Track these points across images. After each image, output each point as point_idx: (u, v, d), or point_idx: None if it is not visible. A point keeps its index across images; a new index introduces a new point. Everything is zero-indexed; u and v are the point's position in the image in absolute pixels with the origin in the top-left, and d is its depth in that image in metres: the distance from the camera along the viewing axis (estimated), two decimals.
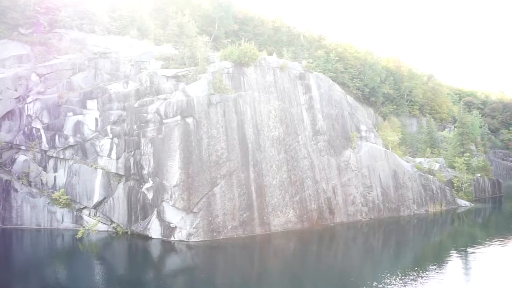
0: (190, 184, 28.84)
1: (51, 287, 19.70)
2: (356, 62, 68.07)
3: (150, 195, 29.79)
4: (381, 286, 19.41)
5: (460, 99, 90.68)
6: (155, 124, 30.42)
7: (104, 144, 31.92)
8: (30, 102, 33.17)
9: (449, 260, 26.27)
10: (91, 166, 31.76)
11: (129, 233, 30.22)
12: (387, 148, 45.84)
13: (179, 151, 29.09)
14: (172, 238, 28.51)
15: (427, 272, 22.44)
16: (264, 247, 29.39)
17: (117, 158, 31.48)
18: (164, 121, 30.14)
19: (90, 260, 25.40)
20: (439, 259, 26.35)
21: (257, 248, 29.16)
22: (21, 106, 33.23)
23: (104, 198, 31.40)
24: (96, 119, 32.64)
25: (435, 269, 23.30)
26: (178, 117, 29.87)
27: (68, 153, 32.60)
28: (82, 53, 36.21)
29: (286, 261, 25.38)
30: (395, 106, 71.18)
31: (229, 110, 31.71)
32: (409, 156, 54.31)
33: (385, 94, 69.65)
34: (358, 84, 64.25)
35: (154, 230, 29.12)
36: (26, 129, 33.04)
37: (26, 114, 33.14)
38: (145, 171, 30.19)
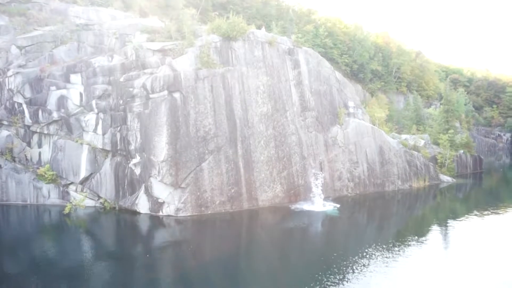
0: (177, 159, 28.87)
1: (39, 262, 19.83)
2: (346, 37, 67.62)
3: (137, 171, 29.78)
4: (363, 260, 20.09)
5: (447, 76, 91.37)
6: (141, 99, 30.07)
7: (90, 119, 31.49)
8: (11, 76, 32.25)
9: (430, 233, 27.28)
10: (77, 141, 31.40)
11: (117, 208, 30.32)
12: (374, 125, 46.33)
13: (166, 126, 28.94)
14: (160, 213, 28.74)
15: (408, 245, 23.30)
16: (252, 222, 29.89)
17: (103, 134, 31.17)
18: (151, 96, 29.81)
19: (78, 235, 25.55)
20: (421, 232, 27.32)
21: (245, 223, 29.64)
22: (1, 79, 32.33)
23: (91, 174, 31.26)
24: (81, 94, 32.04)
25: (416, 241, 24.20)
26: (165, 92, 29.56)
27: (52, 128, 32.10)
28: (64, 24, 35.04)
29: (273, 236, 25.95)
30: (383, 83, 71.45)
31: (216, 85, 31.45)
32: (396, 132, 55.05)
33: (374, 71, 69.74)
34: (347, 60, 64.08)
35: (142, 205, 29.29)
36: (7, 103, 32.28)
37: (7, 88, 32.29)
38: (132, 147, 30.04)
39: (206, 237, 25.40)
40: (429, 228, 28.77)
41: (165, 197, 28.86)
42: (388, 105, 62.19)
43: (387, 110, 57.15)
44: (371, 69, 68.70)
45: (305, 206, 32.52)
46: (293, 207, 32.64)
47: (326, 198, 35.49)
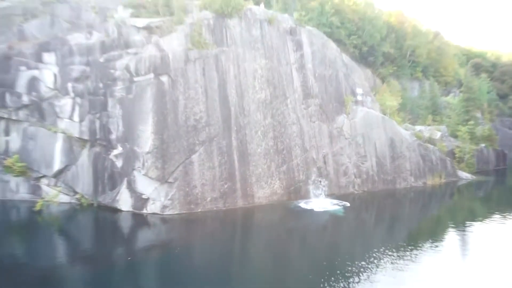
0: (164, 151, 28.86)
1: (5, 265, 19.73)
2: (354, 16, 67.15)
3: (119, 163, 29.74)
4: (370, 266, 20.19)
5: (468, 61, 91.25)
6: (124, 82, 29.95)
7: (65, 104, 31.31)
8: None
9: (446, 237, 27.45)
10: (50, 129, 31.25)
11: (95, 205, 30.36)
12: (384, 114, 46.39)
13: (152, 113, 28.87)
14: (145, 211, 28.81)
15: (421, 250, 23.43)
16: (247, 221, 30.10)
17: (80, 121, 31.05)
18: (135, 79, 29.70)
19: (50, 236, 25.48)
20: (435, 235, 27.50)
21: (239, 222, 29.85)
22: None
23: (66, 166, 31.17)
24: (55, 75, 31.78)
25: (430, 246, 24.34)
26: (151, 75, 29.46)
27: (22, 114, 31.86)
28: None
29: (270, 237, 26.05)
30: (395, 68, 71.24)
31: (209, 68, 31.34)
32: (409, 123, 55.18)
33: (385, 54, 69.47)
34: (355, 42, 63.73)
35: (124, 201, 29.31)
36: None
37: None
38: (113, 136, 29.96)
39: (195, 238, 25.51)
40: (445, 231, 28.96)
41: (150, 193, 28.88)
42: (401, 93, 62.03)
43: (400, 98, 57.00)
44: (382, 51, 68.40)
45: (307, 205, 32.64)
46: (293, 205, 32.86)
47: (330, 196, 35.62)
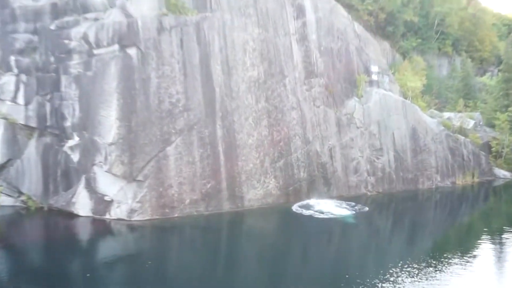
0: (132, 141, 28.63)
1: None
2: None
3: (75, 157, 29.49)
4: (385, 285, 20.19)
5: (510, 33, 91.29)
6: (81, 55, 29.60)
7: (6, 82, 30.85)
8: None
9: (479, 249, 27.55)
10: None
11: (45, 208, 30.08)
12: (405, 98, 46.38)
13: (116, 95, 28.59)
14: (108, 216, 28.63)
15: (448, 265, 23.47)
16: (233, 230, 30.02)
17: (26, 104, 30.71)
18: (95, 51, 29.37)
19: None
20: (466, 247, 27.57)
21: (224, 231, 29.76)
22: None
23: (8, 161, 30.84)
24: None
25: (459, 260, 24.40)
26: (115, 47, 29.14)
27: None
28: None
29: (261, 251, 25.93)
30: (419, 40, 71.06)
31: (188, 39, 31.04)
32: (435, 109, 55.31)
33: (407, 23, 69.17)
34: (370, 8, 63.30)
35: (82, 204, 29.09)
36: None
37: None
38: (67, 123, 29.69)
39: (170, 250, 25.36)
40: (478, 242, 29.05)
41: (114, 193, 28.74)
42: (426, 71, 62.01)
43: (425, 78, 57.04)
44: (404, 20, 68.08)
45: (309, 209, 32.63)
46: (292, 209, 32.79)
47: (337, 198, 35.63)
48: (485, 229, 32.70)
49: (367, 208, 33.49)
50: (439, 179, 44.34)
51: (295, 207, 33.19)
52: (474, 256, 25.64)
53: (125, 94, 28.76)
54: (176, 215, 29.61)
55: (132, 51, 29.26)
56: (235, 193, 32.23)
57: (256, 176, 33.31)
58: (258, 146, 33.56)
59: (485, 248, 27.77)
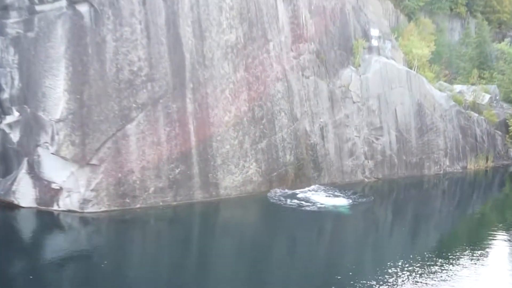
0: (85, 118, 28.17)
1: None
2: None
3: (15, 136, 28.81)
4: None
5: None
6: (20, 13, 28.66)
7: None
8: None
9: (492, 245, 27.86)
10: None
11: None
12: (411, 68, 46.37)
13: (65, 62, 27.90)
14: (56, 207, 28.21)
15: (455, 263, 23.67)
16: (206, 223, 29.95)
17: None
18: (38, 8, 28.43)
19: None
20: (477, 243, 27.87)
21: (195, 224, 29.68)
22: None
23: None
24: None
25: (469, 258, 24.63)
26: (63, 2, 28.24)
27: None
28: None
29: (238, 248, 25.95)
30: None
31: None
32: (445, 81, 55.50)
33: None
34: None
35: (24, 194, 28.53)
36: None
37: None
38: (5, 95, 28.85)
39: (130, 248, 25.17)
40: (491, 237, 29.40)
41: (63, 180, 28.32)
42: (435, 36, 62.10)
43: (433, 43, 57.07)
44: None
45: (296, 199, 32.69)
46: (276, 199, 32.81)
47: (329, 186, 35.65)
48: (499, 222, 33.09)
49: (364, 198, 33.57)
50: (447, 163, 44.74)
51: (280, 196, 33.19)
52: (487, 254, 25.93)
53: (75, 60, 28.07)
54: (138, 206, 29.31)
55: (83, 8, 28.45)
56: (208, 180, 32.05)
57: (233, 159, 33.15)
58: (236, 124, 33.33)
59: (500, 245, 28.09)
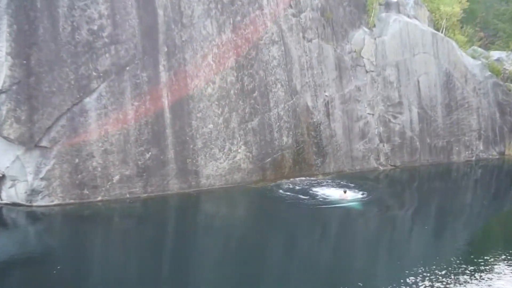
0: (33, 89, 28.14)
1: None
2: None
3: None
4: None
5: None
6: None
7: None
8: None
9: None
10: None
11: None
12: (438, 30, 46.39)
13: (7, 18, 27.66)
14: None
15: (489, 269, 23.96)
16: (181, 220, 29.71)
17: None
18: None
19: None
20: None
21: (168, 222, 29.56)
22: None
23: None
24: None
25: (506, 265, 24.93)
26: None
27: None
28: None
29: (222, 253, 25.91)
30: None
31: None
32: (480, 46, 55.60)
33: None
34: None
35: None
36: None
37: None
38: None
39: (88, 250, 25.00)
40: None
41: (6, 167, 28.34)
42: None
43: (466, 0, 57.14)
44: None
45: (295, 191, 32.86)
46: (270, 191, 33.00)
47: (337, 175, 35.79)
48: None
49: (379, 190, 33.66)
50: (481, 147, 45.03)
51: (276, 188, 33.40)
52: None
53: (20, 17, 27.88)
54: (99, 198, 29.43)
55: None
56: (186, 167, 32.21)
57: (217, 142, 33.29)
58: (221, 97, 33.42)
59: None
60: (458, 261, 24.90)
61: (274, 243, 26.64)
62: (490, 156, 44.91)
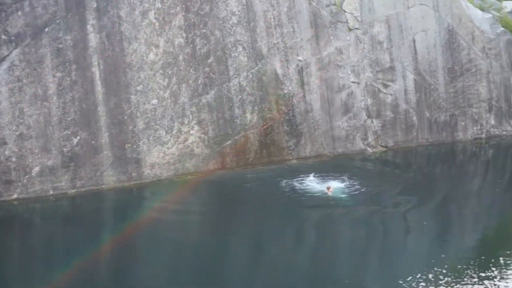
0: None
1: None
2: None
3: None
4: None
5: None
6: None
7: None
8: None
9: None
10: None
11: None
12: None
13: None
14: None
15: (501, 274, 24.46)
16: (119, 222, 29.36)
17: None
18: None
19: None
20: None
21: (103, 226, 29.22)
22: None
23: None
24: None
25: None
26: None
27: None
28: None
29: (160, 268, 26.06)
30: None
31: None
32: None
33: None
34: None
35: None
36: None
37: None
38: None
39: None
40: None
41: None
42: None
43: None
44: None
45: (264, 182, 33.03)
46: (231, 182, 33.33)
47: (314, 160, 36.02)
48: None
49: (367, 178, 33.91)
50: (493, 122, 45.42)
51: (238, 178, 33.57)
52: None
53: None
54: (14, 196, 29.59)
55: None
56: (125, 154, 32.32)
57: (164, 121, 33.34)
58: (166, 65, 33.42)
59: None
60: (466, 259, 25.42)
61: (247, 242, 26.65)
62: (504, 133, 45.18)
